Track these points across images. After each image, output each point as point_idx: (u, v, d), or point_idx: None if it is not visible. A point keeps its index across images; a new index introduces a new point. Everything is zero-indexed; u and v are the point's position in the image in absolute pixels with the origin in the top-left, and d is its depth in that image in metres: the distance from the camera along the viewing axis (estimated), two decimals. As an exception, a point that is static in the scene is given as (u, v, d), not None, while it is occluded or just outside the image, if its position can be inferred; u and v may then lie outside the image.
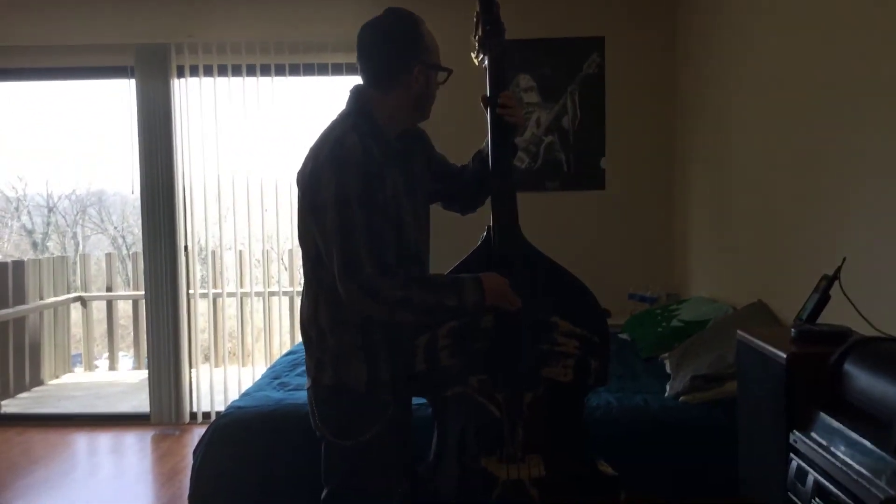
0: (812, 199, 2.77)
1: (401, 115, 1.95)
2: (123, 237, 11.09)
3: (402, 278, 1.79)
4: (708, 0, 4.02)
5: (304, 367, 3.40)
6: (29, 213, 10.87)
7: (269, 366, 4.02)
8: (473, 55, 2.09)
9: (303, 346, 1.91)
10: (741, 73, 3.52)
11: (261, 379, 3.37)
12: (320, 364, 1.91)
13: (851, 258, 1.94)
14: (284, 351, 4.64)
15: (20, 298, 5.88)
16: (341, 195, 1.75)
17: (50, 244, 10.87)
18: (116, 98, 10.10)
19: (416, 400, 2.06)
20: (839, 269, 1.88)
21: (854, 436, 1.47)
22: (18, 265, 5.98)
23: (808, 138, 2.79)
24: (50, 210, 10.94)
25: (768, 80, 3.19)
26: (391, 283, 1.76)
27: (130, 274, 7.35)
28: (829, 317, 1.90)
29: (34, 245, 10.76)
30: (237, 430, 2.75)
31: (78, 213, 11.13)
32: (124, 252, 10.46)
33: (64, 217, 11.08)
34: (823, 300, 1.88)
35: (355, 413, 1.89)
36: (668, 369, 3.11)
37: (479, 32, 2.06)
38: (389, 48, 1.90)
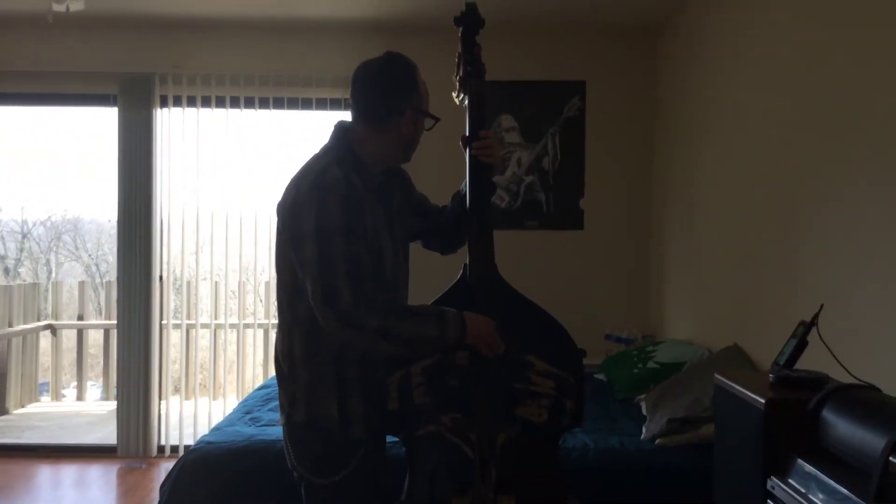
0: (788, 245, 2.80)
1: (386, 155, 1.96)
2: (97, 265, 10.95)
3: (382, 308, 1.78)
4: (686, 47, 4.11)
5: (276, 402, 3.37)
6: (2, 238, 10.70)
7: (240, 399, 3.96)
8: (454, 94, 2.12)
9: (275, 380, 1.87)
10: (719, 118, 3.58)
11: (232, 413, 3.31)
12: (293, 399, 1.89)
13: (828, 305, 1.96)
14: (257, 384, 4.58)
15: (-12, 325, 5.77)
16: (322, 225, 1.75)
17: (22, 270, 10.70)
18: (97, 125, 10.09)
19: (389, 438, 2.03)
20: (817, 315, 1.89)
21: (832, 483, 1.47)
22: (-12, 291, 5.87)
23: (786, 184, 2.84)
24: (24, 236, 10.79)
25: (746, 125, 3.25)
26: (369, 312, 1.74)
27: (103, 302, 7.24)
28: (806, 362, 1.90)
29: (6, 271, 10.58)
30: (206, 466, 2.69)
31: (52, 239, 10.98)
32: (97, 280, 10.32)
33: (38, 243, 10.92)
34: (801, 346, 1.89)
35: (330, 451, 1.86)
36: (643, 411, 3.10)
37: (460, 72, 2.08)
38: (385, 90, 1.92)
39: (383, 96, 1.91)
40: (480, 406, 1.91)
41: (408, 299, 2.05)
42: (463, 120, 2.07)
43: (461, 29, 2.07)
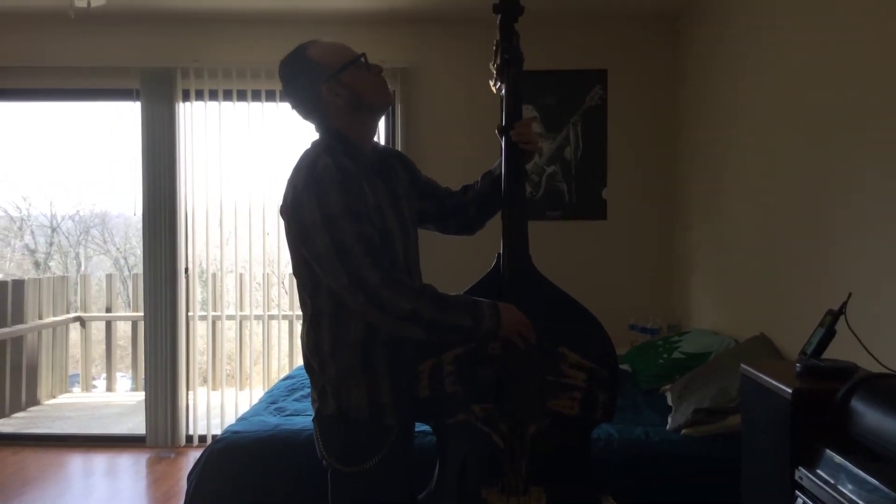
0: (815, 233, 2.76)
1: (355, 126, 1.91)
2: (125, 258, 11.09)
3: (412, 290, 1.75)
4: (710, 33, 4.05)
5: (301, 392, 3.41)
6: (32, 232, 10.86)
7: (266, 390, 4.00)
8: (491, 83, 2.10)
9: (301, 371, 1.89)
10: (745, 105, 3.54)
11: (258, 404, 3.35)
12: (322, 393, 1.89)
13: (856, 293, 1.93)
14: (282, 375, 4.62)
15: (19, 318, 5.87)
16: (326, 213, 1.73)
17: (52, 264, 10.86)
18: (122, 120, 10.19)
19: (420, 426, 2.03)
20: (845, 304, 1.86)
21: (861, 473, 1.45)
22: (18, 284, 5.97)
23: (812, 171, 2.80)
24: (53, 230, 10.95)
25: (771, 112, 3.20)
26: (399, 294, 1.72)
27: (131, 295, 7.34)
28: (833, 352, 1.88)
29: (36, 265, 10.74)
30: (233, 455, 2.73)
31: (81, 233, 11.13)
32: (126, 273, 10.45)
33: (67, 237, 11.08)
34: (829, 335, 1.86)
35: (359, 440, 1.86)
36: (669, 402, 3.09)
37: (498, 61, 2.06)
38: (295, 92, 1.92)
39: (298, 97, 1.91)
40: (511, 397, 1.90)
41: (420, 279, 2.02)
42: (495, 108, 2.05)
43: (499, 17, 2.05)
